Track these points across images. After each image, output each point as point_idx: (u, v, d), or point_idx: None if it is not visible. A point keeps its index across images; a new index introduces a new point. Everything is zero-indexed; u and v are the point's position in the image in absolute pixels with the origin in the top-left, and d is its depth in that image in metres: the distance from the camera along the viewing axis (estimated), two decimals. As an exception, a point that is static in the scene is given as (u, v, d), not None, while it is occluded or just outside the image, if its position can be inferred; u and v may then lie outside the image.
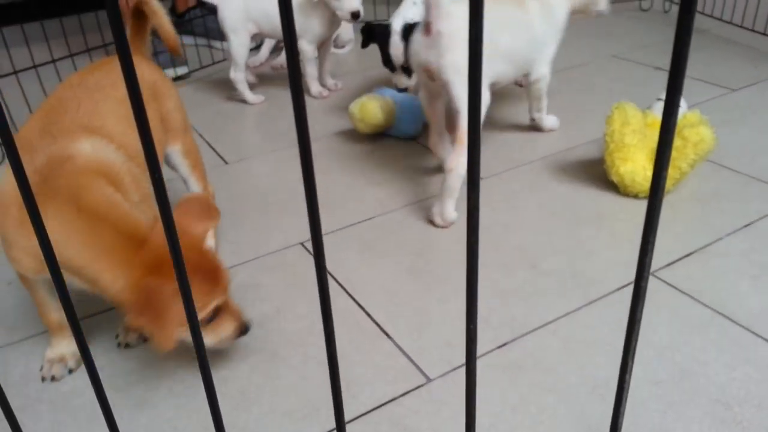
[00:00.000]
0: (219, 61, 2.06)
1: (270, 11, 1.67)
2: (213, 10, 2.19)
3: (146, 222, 0.78)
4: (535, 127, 1.50)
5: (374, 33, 1.51)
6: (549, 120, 1.48)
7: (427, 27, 1.10)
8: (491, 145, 1.45)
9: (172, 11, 2.28)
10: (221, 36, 2.17)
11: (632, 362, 0.35)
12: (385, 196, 1.28)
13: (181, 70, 1.91)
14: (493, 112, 1.62)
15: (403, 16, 1.47)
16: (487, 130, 1.52)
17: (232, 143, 1.55)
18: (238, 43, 1.68)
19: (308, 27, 1.68)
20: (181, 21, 2.22)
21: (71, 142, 0.79)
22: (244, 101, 1.75)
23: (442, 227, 1.17)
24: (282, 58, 2.01)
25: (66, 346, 0.91)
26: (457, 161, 1.11)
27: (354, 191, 1.30)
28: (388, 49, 1.46)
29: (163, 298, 0.73)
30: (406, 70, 1.48)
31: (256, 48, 2.11)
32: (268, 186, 1.35)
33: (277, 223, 1.21)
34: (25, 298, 1.04)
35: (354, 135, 1.53)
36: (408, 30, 1.39)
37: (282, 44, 2.04)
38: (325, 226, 1.17)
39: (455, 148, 1.12)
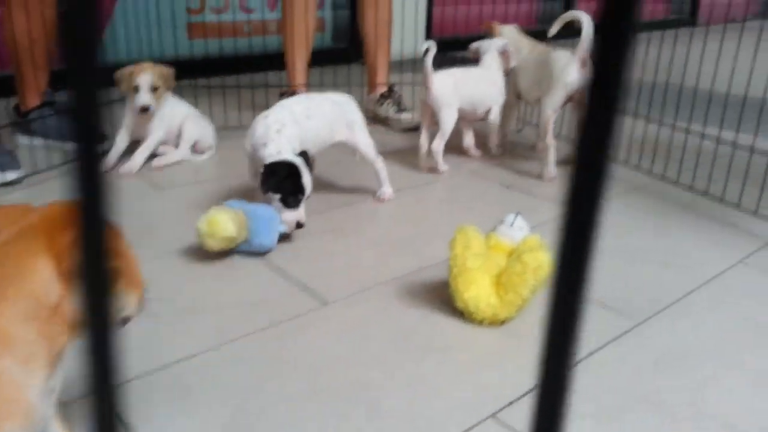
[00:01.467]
0: (57, 165, 1.88)
1: (474, 93, 1.94)
2: (61, 110, 2.04)
3: None
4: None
5: (284, 173, 1.44)
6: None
7: (584, 62, 1.72)
8: (340, 265, 1.39)
9: (16, 109, 2.12)
10: (62, 135, 2.00)
11: None
12: (221, 323, 1.15)
13: (12, 175, 1.72)
14: (348, 231, 1.58)
15: (285, 150, 1.47)
16: (339, 248, 1.47)
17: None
18: (449, 116, 1.89)
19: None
20: (26, 120, 2.04)
21: None
22: None
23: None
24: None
25: None
26: None
27: (184, 322, 1.17)
28: (301, 182, 1.45)
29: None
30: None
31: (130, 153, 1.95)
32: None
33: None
34: None
35: (201, 254, 1.40)
36: (306, 158, 1.48)
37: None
38: (133, 370, 1.02)
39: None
